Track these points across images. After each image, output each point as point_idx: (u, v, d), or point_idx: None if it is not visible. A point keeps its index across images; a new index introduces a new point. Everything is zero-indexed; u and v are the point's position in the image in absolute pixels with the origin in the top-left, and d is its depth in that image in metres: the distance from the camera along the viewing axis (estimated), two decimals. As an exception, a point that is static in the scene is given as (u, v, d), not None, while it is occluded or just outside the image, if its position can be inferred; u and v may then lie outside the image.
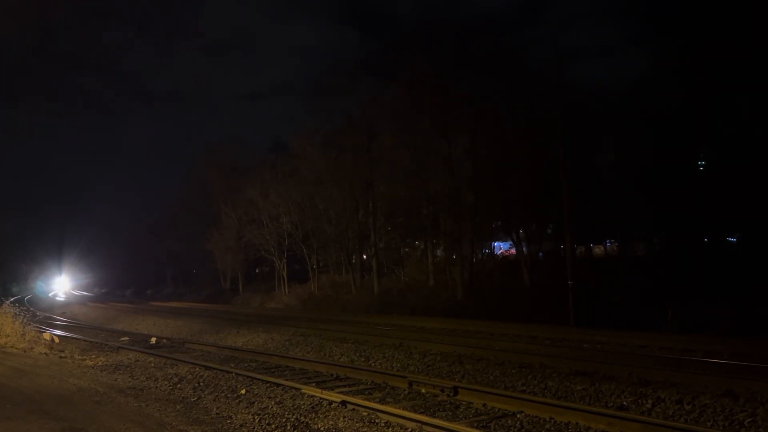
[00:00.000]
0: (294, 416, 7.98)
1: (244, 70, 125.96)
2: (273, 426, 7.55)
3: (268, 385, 10.09)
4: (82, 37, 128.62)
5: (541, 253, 32.95)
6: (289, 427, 7.51)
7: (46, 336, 17.71)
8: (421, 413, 7.99)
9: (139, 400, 9.01)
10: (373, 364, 13.05)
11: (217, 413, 8.27)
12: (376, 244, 35.87)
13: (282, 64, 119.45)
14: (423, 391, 9.75)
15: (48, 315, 32.92)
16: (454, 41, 30.67)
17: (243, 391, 9.60)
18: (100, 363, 13.24)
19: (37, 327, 21.96)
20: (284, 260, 42.31)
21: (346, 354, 14.41)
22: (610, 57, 49.95)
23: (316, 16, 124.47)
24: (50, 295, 61.19)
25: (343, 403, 8.48)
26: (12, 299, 31.31)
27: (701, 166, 30.08)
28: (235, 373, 11.28)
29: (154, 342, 18.17)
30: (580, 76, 35.07)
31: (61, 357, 14.14)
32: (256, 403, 8.81)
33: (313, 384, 10.35)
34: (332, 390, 9.58)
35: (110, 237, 73.54)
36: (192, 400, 9.23)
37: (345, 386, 10.48)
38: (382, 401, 9.01)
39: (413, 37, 33.27)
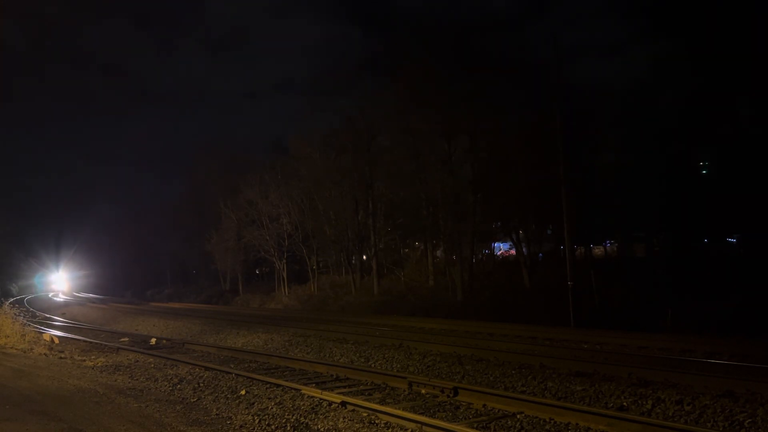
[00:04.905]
0: (294, 417, 7.98)
1: (245, 68, 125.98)
2: (273, 427, 7.55)
3: (267, 385, 10.09)
4: (81, 35, 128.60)
5: (540, 254, 32.95)
6: (288, 428, 7.52)
7: (46, 337, 17.73)
8: (421, 414, 7.99)
9: (139, 400, 9.01)
10: (372, 365, 13.06)
11: (217, 414, 8.28)
12: (376, 244, 35.87)
13: (283, 62, 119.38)
14: (423, 391, 9.75)
15: (47, 315, 32.91)
16: (456, 39, 30.69)
17: (243, 392, 9.60)
18: (99, 364, 13.25)
19: (37, 328, 21.98)
20: (284, 261, 42.30)
21: (345, 355, 14.41)
22: (614, 56, 49.95)
23: (318, 14, 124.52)
24: (50, 295, 61.16)
25: (343, 403, 8.48)
26: (12, 300, 31.34)
27: (702, 166, 30.11)
28: (235, 374, 11.28)
29: (153, 343, 18.17)
30: (583, 75, 35.04)
31: (60, 358, 14.14)
32: (255, 403, 8.81)
33: (313, 385, 10.35)
34: (332, 391, 9.58)
35: (110, 237, 73.51)
36: (192, 400, 9.23)
37: (345, 387, 10.48)
38: (381, 402, 9.00)
39: (415, 36, 33.32)
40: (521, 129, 29.06)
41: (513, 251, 36.11)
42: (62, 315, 34.48)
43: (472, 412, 8.51)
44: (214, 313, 31.93)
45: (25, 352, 14.81)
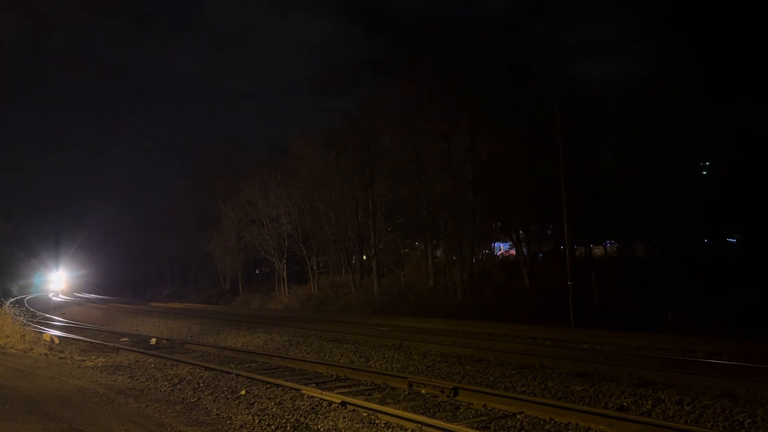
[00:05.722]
0: (294, 417, 7.99)
1: (245, 68, 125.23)
2: (273, 427, 7.55)
3: (268, 385, 10.10)
4: (80, 34, 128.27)
5: (540, 254, 32.93)
6: (288, 428, 7.52)
7: (46, 337, 17.74)
8: (421, 414, 7.99)
9: (139, 401, 9.01)
10: (372, 365, 13.06)
11: (217, 414, 8.28)
12: (376, 244, 35.87)
13: (284, 61, 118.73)
14: (423, 391, 9.75)
15: (47, 315, 32.92)
16: (456, 39, 30.67)
17: (243, 392, 9.60)
18: (99, 364, 13.25)
19: (37, 328, 21.98)
20: (284, 261, 42.31)
21: (345, 355, 14.42)
22: (615, 55, 49.96)
23: (319, 13, 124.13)
24: (50, 295, 61.15)
25: (343, 403, 8.48)
26: (12, 300, 31.33)
27: (703, 167, 30.11)
28: (235, 374, 11.29)
29: (153, 343, 18.17)
30: (584, 74, 34.96)
31: (60, 358, 14.15)
32: (255, 403, 8.81)
33: (313, 385, 10.36)
34: (332, 391, 9.59)
35: (110, 237, 73.44)
36: (192, 401, 9.23)
37: (345, 387, 10.49)
38: (381, 402, 9.01)
39: (415, 35, 33.25)
40: (521, 129, 29.04)
41: (513, 251, 36.09)
42: (62, 315, 34.49)
43: (472, 412, 8.52)
44: (214, 313, 31.94)
45: (25, 352, 14.81)
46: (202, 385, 10.43)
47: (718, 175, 28.31)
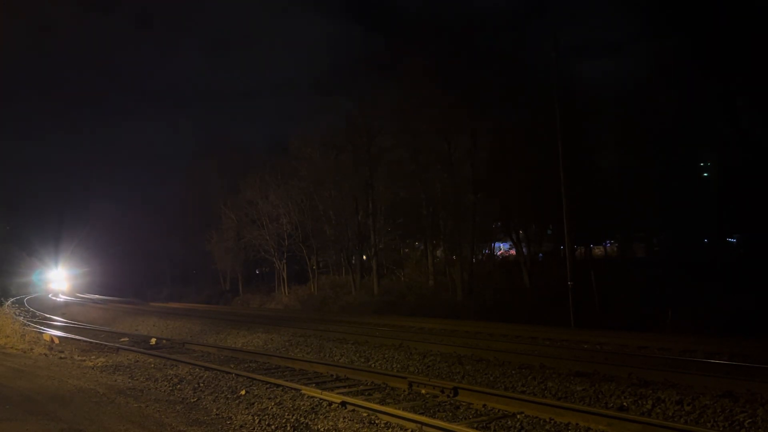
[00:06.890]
0: (294, 417, 7.99)
1: (245, 68, 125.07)
2: (273, 427, 7.55)
3: (267, 385, 10.10)
4: (80, 34, 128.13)
5: (540, 254, 32.93)
6: (288, 428, 7.52)
7: (46, 337, 17.74)
8: (421, 414, 7.99)
9: (139, 400, 9.01)
10: (372, 365, 13.06)
11: (217, 414, 8.28)
12: (376, 244, 35.88)
13: (284, 61, 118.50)
14: (423, 391, 9.75)
15: (47, 315, 32.90)
16: (456, 39, 30.66)
17: (243, 392, 9.60)
18: (99, 364, 13.25)
19: (37, 328, 21.99)
20: (284, 261, 42.31)
21: (345, 355, 14.42)
22: (615, 55, 49.88)
23: (319, 12, 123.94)
24: (50, 296, 61.12)
25: (343, 403, 8.48)
26: (12, 299, 31.34)
27: (703, 167, 30.12)
28: (235, 374, 11.29)
29: (153, 343, 18.16)
30: (584, 74, 34.84)
31: (60, 358, 14.15)
32: (255, 403, 8.81)
33: (313, 385, 10.35)
34: (332, 391, 9.59)
35: (109, 236, 73.38)
36: (192, 400, 9.24)
37: (345, 387, 10.49)
38: (381, 402, 9.01)
39: (415, 33, 33.26)
40: (521, 129, 29.04)
41: (513, 251, 36.10)
42: (62, 315, 34.46)
43: (472, 412, 8.52)
44: (214, 313, 31.93)
45: (25, 352, 14.82)
46: (202, 385, 10.43)
47: (718, 175, 28.32)
